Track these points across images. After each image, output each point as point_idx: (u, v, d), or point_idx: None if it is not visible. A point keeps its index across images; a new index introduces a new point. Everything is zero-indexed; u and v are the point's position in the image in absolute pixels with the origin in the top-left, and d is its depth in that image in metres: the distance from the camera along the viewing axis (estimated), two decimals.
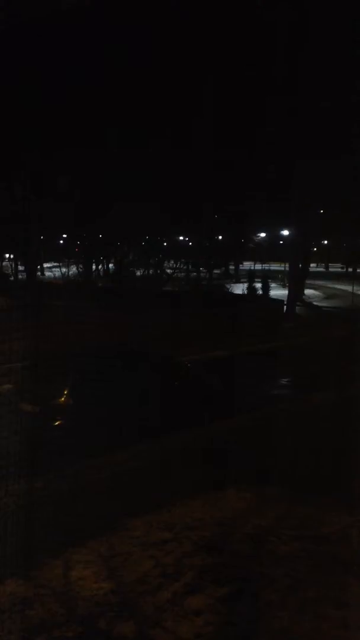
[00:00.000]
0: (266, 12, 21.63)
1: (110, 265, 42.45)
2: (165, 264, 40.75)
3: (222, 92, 24.58)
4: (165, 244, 42.92)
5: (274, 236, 51.52)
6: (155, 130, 25.49)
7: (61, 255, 44.90)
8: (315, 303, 33.16)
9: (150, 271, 38.22)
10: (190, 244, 45.00)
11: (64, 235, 44.12)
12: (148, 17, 23.10)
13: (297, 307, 28.16)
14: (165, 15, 23.05)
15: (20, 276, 38.06)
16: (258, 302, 29.46)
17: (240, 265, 54.11)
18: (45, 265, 49.54)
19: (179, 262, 40.16)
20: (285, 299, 28.07)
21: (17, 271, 39.51)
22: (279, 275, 44.06)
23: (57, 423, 8.15)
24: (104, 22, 23.35)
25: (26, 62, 23.27)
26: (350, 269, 59.04)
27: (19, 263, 39.93)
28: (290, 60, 21.81)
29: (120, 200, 28.34)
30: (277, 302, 27.98)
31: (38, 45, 23.10)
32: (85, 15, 22.59)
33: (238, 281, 42.23)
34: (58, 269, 43.21)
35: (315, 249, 60.37)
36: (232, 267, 52.14)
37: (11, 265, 42.22)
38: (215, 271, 42.44)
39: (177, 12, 23.23)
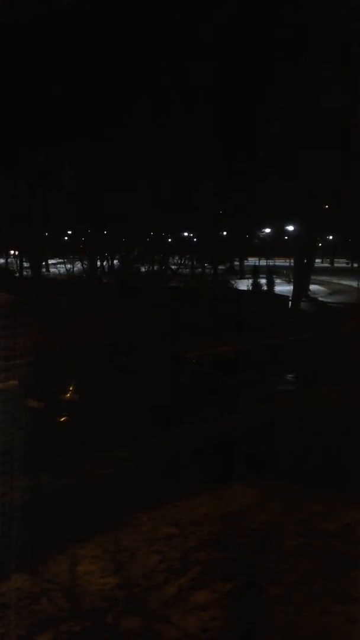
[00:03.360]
0: None
1: (115, 262, 42.47)
2: (170, 260, 40.73)
3: (226, 84, 24.50)
4: (169, 240, 42.94)
5: (278, 232, 51.43)
6: (158, 124, 25.43)
7: (66, 252, 44.95)
8: (320, 299, 33.09)
9: (155, 267, 38.21)
10: (195, 240, 44.94)
11: (69, 232, 44.16)
12: (146, 5, 23.05)
13: (302, 303, 28.12)
14: (164, 6, 23.00)
15: (25, 272, 38.16)
16: (263, 297, 29.43)
17: (245, 261, 54.01)
18: (50, 261, 49.61)
19: (183, 258, 40.14)
20: (290, 294, 28.04)
21: (22, 267, 39.61)
22: (284, 271, 43.97)
23: (62, 419, 8.18)
24: (104, 15, 23.30)
25: (29, 59, 23.27)
26: (355, 265, 58.96)
27: (24, 259, 40.03)
28: (293, 52, 21.75)
29: (124, 195, 28.32)
30: (282, 297, 27.96)
31: (39, 41, 23.07)
32: (85, 10, 22.55)
33: (243, 277, 42.16)
34: (63, 266, 43.31)
35: (320, 244, 60.26)
36: (236, 263, 52.03)
37: (16, 262, 42.28)
38: (220, 267, 42.35)
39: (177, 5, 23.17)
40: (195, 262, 43.80)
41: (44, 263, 44.35)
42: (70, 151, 26.56)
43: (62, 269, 42.57)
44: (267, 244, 56.01)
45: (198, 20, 23.20)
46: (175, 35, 23.94)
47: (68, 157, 27.04)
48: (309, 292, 33.87)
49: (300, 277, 29.93)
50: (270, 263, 50.37)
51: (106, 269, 42.96)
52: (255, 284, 33.75)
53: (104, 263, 44.02)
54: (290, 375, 14.11)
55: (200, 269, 42.32)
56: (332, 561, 5.06)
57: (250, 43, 23.39)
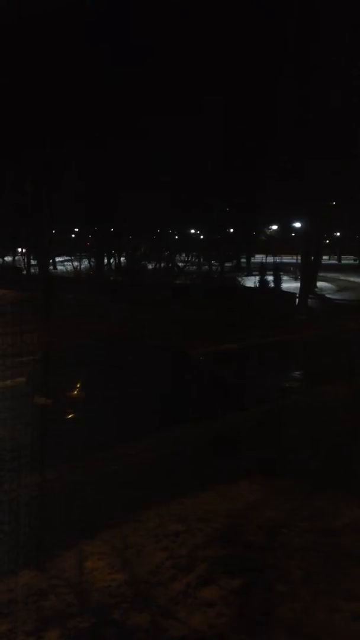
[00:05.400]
0: None
1: (122, 259, 42.49)
2: (176, 257, 40.68)
3: (233, 82, 24.45)
4: (176, 237, 42.89)
5: (285, 228, 51.30)
6: (165, 121, 25.39)
7: (73, 249, 45.04)
8: (327, 295, 32.98)
9: (162, 264, 38.16)
10: (202, 237, 44.89)
11: (76, 229, 44.24)
12: (151, 4, 23.05)
13: (309, 300, 28.03)
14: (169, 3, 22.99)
15: (32, 270, 38.27)
16: (270, 294, 29.35)
17: (252, 258, 53.96)
18: (57, 259, 49.71)
19: (190, 255, 40.08)
20: (297, 291, 27.95)
21: (29, 265, 39.71)
22: (291, 268, 43.86)
23: (69, 416, 8.20)
24: (106, 11, 23.32)
25: (32, 56, 23.28)
26: None
27: (31, 257, 40.14)
28: (302, 50, 21.66)
29: (131, 192, 28.30)
30: (289, 294, 27.86)
31: (42, 38, 23.08)
32: (88, 7, 22.57)
33: (250, 274, 42.09)
34: (70, 263, 43.36)
35: (327, 241, 60.05)
36: (243, 260, 51.98)
37: (23, 259, 42.41)
38: (227, 264, 42.26)
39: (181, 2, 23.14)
40: (202, 260, 43.74)
41: (51, 260, 44.43)
42: (77, 148, 26.53)
43: (69, 266, 42.64)
44: (274, 240, 55.89)
45: (206, 18, 23.16)
46: (181, 32, 23.88)
47: (75, 154, 27.02)
48: (316, 289, 33.77)
49: (308, 274, 29.83)
50: (277, 260, 50.28)
51: (113, 267, 42.97)
52: (262, 281, 33.69)
53: (111, 260, 44.03)
54: (297, 373, 14.08)
55: (207, 266, 42.29)
56: (338, 558, 5.06)
57: (258, 42, 23.35)
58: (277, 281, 33.24)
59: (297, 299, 26.86)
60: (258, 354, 14.42)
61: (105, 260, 42.20)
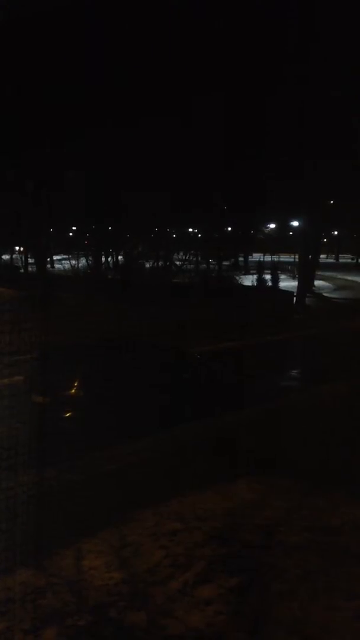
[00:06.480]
0: None
1: (120, 258, 42.45)
2: (174, 256, 40.69)
3: (233, 79, 24.44)
4: (174, 235, 42.89)
5: (283, 227, 51.33)
6: (164, 119, 25.35)
7: (70, 248, 45.01)
8: (325, 294, 33.01)
9: (160, 263, 38.16)
10: (200, 235, 44.89)
11: (74, 228, 44.22)
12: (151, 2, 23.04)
13: (307, 299, 28.05)
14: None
15: (30, 268, 38.20)
16: (268, 293, 29.34)
17: (250, 256, 53.97)
18: (55, 257, 49.66)
19: (188, 254, 40.05)
20: (295, 290, 27.97)
21: (27, 263, 39.64)
22: (289, 267, 43.89)
23: (67, 414, 8.19)
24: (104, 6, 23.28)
25: (30, 55, 23.24)
26: None
27: (28, 255, 40.07)
28: (302, 49, 21.66)
29: (130, 191, 28.27)
30: (287, 293, 27.88)
31: (40, 36, 23.03)
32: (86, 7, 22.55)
33: (247, 273, 42.11)
34: (67, 262, 43.33)
35: (325, 239, 60.17)
36: (241, 258, 51.99)
37: (21, 258, 42.35)
38: (225, 263, 42.24)
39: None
40: (199, 258, 43.73)
41: (48, 259, 44.36)
42: (75, 148, 26.51)
43: (67, 264, 42.62)
44: (272, 239, 55.95)
45: (202, 17, 23.15)
46: (180, 30, 23.86)
47: (73, 153, 27.00)
48: (313, 288, 33.79)
49: (305, 273, 29.85)
50: (275, 259, 50.31)
51: (111, 265, 42.93)
52: (260, 280, 33.71)
53: (109, 259, 44.00)
54: (295, 372, 14.09)
55: (204, 265, 42.32)
56: (337, 557, 5.06)
57: (256, 41, 23.36)
58: (275, 280, 33.26)
59: (294, 298, 26.87)
60: (256, 353, 14.43)
61: (103, 259, 42.15)
